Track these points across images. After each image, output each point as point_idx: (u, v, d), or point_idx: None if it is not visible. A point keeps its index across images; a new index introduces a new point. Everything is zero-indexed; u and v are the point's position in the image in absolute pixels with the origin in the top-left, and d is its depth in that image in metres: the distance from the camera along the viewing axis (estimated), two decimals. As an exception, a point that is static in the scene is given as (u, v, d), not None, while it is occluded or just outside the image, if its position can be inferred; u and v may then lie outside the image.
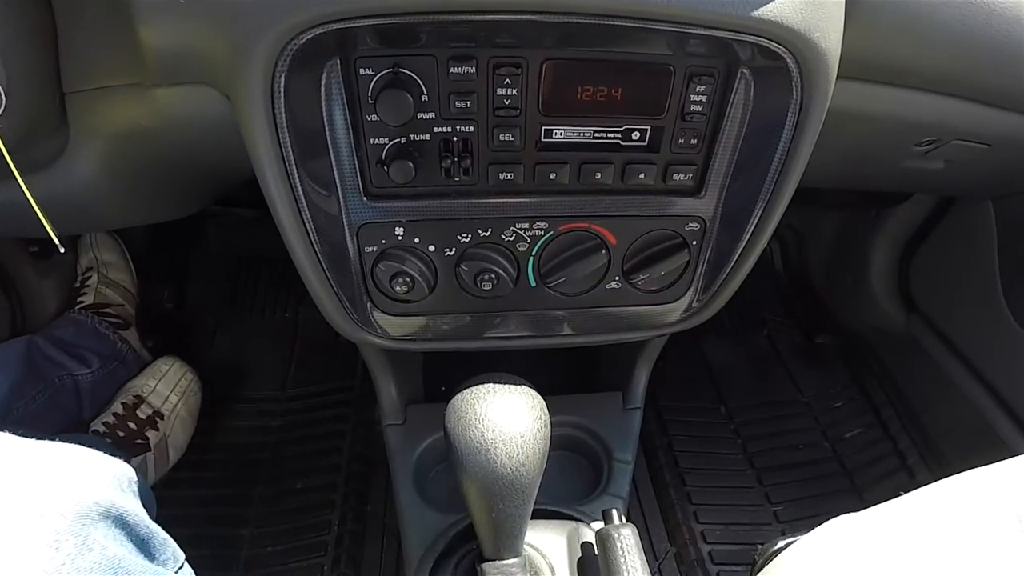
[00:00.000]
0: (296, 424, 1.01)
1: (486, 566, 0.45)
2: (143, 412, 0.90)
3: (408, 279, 0.49)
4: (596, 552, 0.51)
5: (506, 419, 0.41)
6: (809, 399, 1.08)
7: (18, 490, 0.32)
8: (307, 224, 0.46)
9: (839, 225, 1.09)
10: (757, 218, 0.49)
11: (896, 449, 0.99)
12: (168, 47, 0.41)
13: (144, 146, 0.49)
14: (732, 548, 0.87)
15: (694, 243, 0.51)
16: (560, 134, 0.44)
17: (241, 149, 0.43)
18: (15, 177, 0.42)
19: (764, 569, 0.42)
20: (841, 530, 0.41)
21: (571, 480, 0.70)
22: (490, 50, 0.40)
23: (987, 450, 0.70)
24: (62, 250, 0.49)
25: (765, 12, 0.38)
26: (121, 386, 0.93)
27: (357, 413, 1.01)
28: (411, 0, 0.37)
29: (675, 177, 0.47)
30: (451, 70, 0.41)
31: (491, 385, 0.43)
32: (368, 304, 0.52)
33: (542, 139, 0.44)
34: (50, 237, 0.48)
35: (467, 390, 0.43)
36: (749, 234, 0.50)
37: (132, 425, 0.88)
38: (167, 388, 0.94)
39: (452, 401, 0.43)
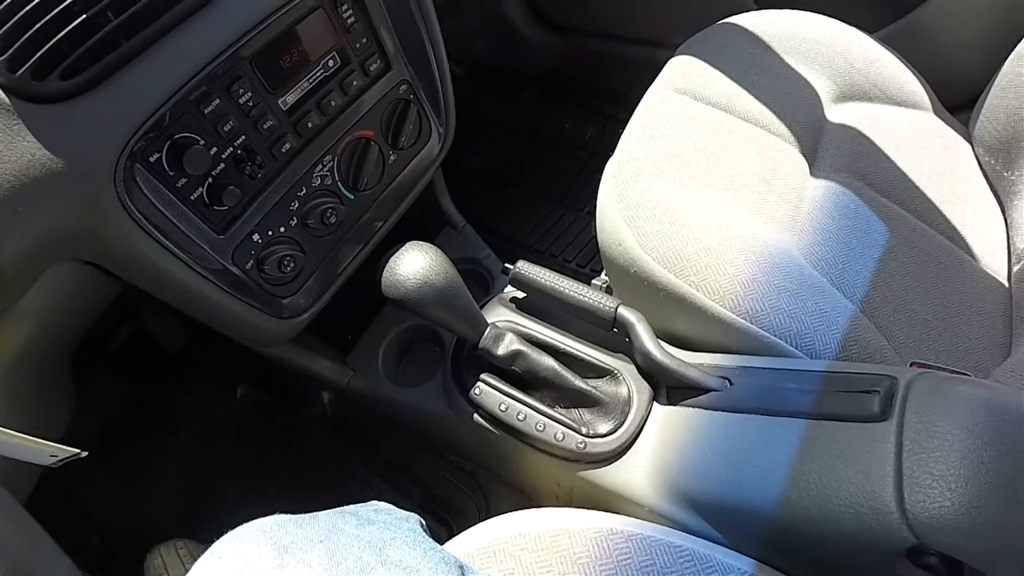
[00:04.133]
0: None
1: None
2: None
3: (289, 258, 0.65)
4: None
5: (416, 256, 0.61)
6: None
7: None
8: (207, 277, 0.60)
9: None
10: (434, 56, 0.71)
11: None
12: (22, 249, 0.50)
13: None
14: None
15: (412, 96, 0.72)
16: (292, 97, 0.62)
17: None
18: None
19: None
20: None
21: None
22: (218, 83, 0.55)
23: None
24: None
25: None
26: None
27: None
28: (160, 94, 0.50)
29: (372, 68, 0.67)
30: (205, 112, 0.55)
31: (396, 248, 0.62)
32: (275, 297, 0.68)
33: (285, 109, 0.61)
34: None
35: (386, 259, 0.62)
36: (437, 67, 0.72)
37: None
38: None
39: (383, 274, 0.61)
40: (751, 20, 0.88)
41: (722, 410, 0.58)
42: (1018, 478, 0.44)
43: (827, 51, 0.85)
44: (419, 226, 0.83)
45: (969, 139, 0.88)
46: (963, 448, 0.44)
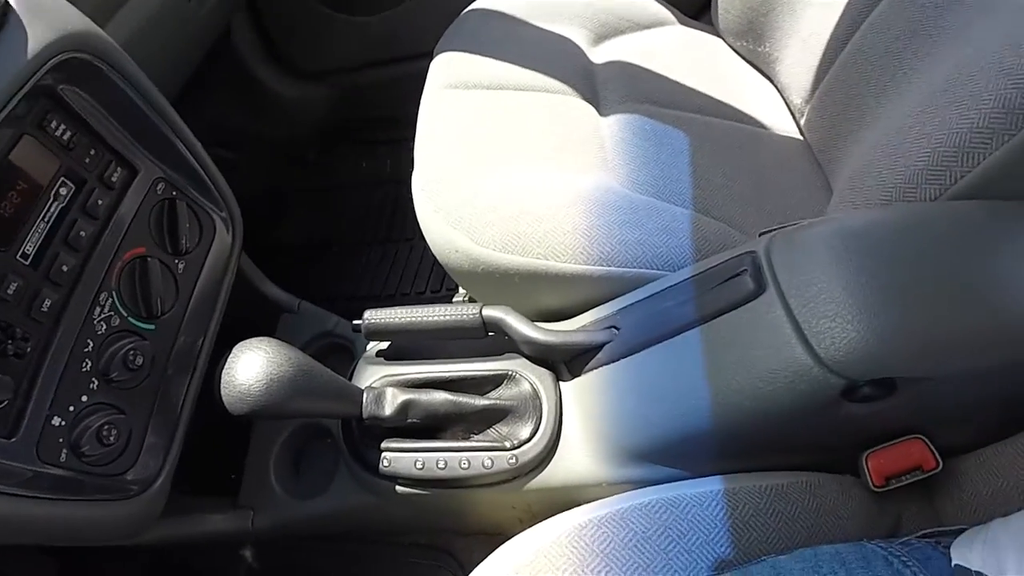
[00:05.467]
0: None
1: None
2: None
3: (107, 427, 0.55)
4: None
5: (248, 358, 0.53)
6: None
7: None
8: (19, 494, 0.48)
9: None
10: (183, 143, 0.64)
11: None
12: None
13: None
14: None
15: (175, 192, 0.64)
16: (31, 245, 0.52)
17: None
18: None
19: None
20: None
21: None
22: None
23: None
24: None
25: None
26: None
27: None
28: None
29: (114, 179, 0.58)
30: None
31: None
32: (113, 477, 0.57)
33: (27, 262, 0.51)
34: None
35: (217, 376, 0.53)
36: (191, 153, 0.65)
37: None
38: None
39: (221, 393, 0.53)
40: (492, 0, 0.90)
41: (622, 357, 0.56)
42: (896, 282, 0.46)
43: (569, 5, 0.88)
44: (251, 326, 0.74)
45: (718, 34, 0.95)
46: (840, 281, 0.45)
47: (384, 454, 0.59)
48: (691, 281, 0.54)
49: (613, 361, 0.57)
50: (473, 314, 0.59)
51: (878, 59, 0.69)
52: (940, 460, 0.50)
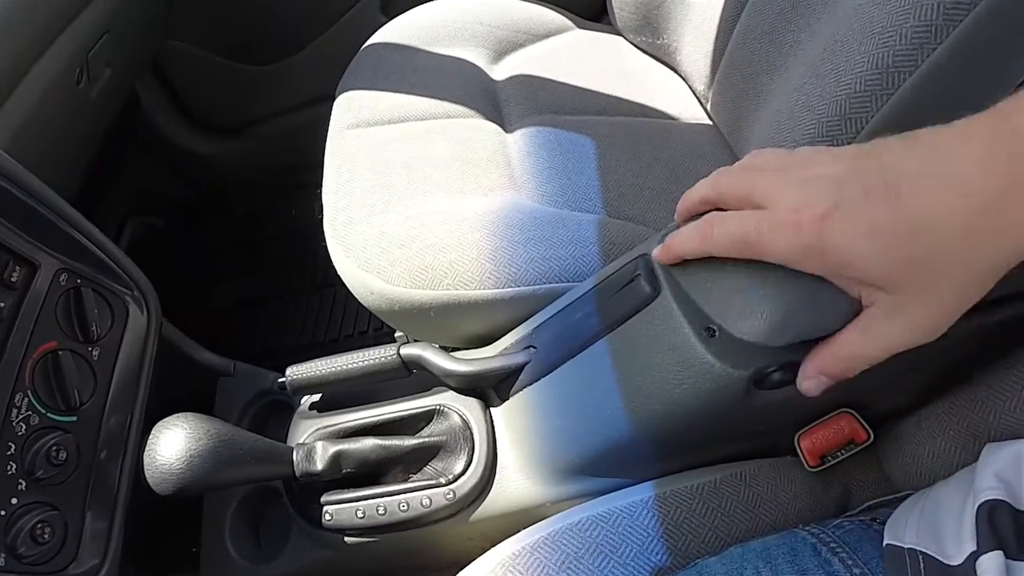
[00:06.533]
0: None
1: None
2: None
3: (41, 525, 0.54)
4: None
5: (166, 437, 0.53)
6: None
7: None
8: None
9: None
10: (80, 230, 0.63)
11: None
12: None
13: None
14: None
15: (79, 281, 0.63)
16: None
17: None
18: None
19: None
20: None
21: None
22: None
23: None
24: None
25: None
26: None
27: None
28: None
29: (13, 278, 0.58)
30: None
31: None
32: (55, 574, 0.56)
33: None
34: None
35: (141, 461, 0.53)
36: (89, 238, 0.64)
37: None
38: None
39: (147, 477, 0.53)
40: (388, 33, 0.90)
41: (542, 376, 0.56)
42: (782, 271, 0.45)
43: (464, 26, 0.89)
44: (189, 395, 0.74)
45: (619, 33, 0.96)
46: (729, 275, 0.45)
47: (325, 509, 0.59)
48: (594, 291, 0.54)
49: (535, 381, 0.56)
50: (391, 355, 0.59)
51: (764, 37, 0.70)
52: (871, 432, 0.50)
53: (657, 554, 0.46)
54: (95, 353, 0.62)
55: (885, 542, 0.41)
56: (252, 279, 1.03)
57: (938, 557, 0.37)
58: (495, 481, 0.58)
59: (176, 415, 0.55)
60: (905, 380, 0.53)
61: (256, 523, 0.75)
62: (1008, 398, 0.43)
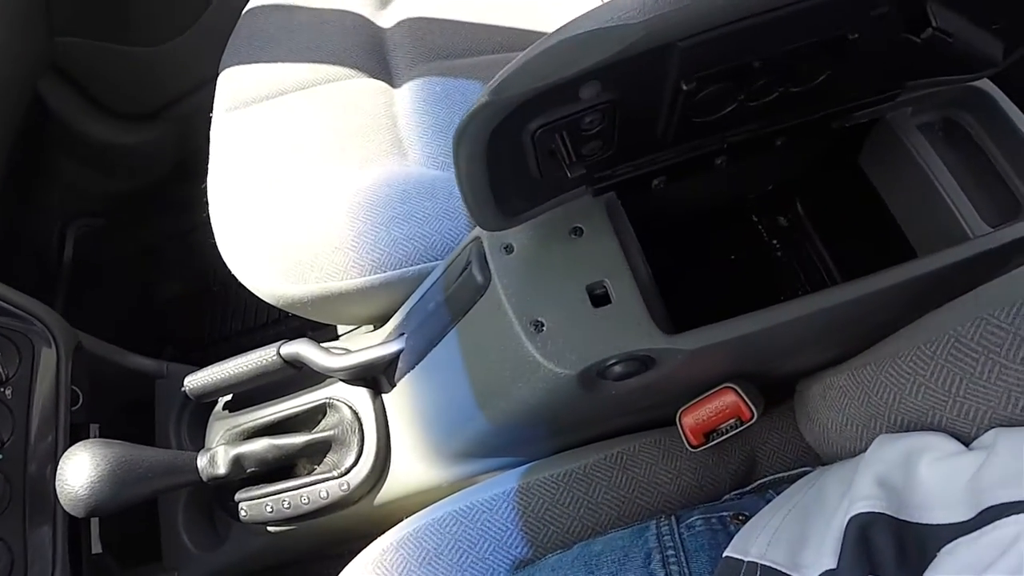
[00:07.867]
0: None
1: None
2: None
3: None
4: None
5: (71, 466, 0.55)
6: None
7: None
8: None
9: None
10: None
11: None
12: None
13: None
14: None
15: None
16: None
17: None
18: None
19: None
20: None
21: None
22: None
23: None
24: None
25: None
26: None
27: None
28: None
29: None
30: None
31: None
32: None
33: None
34: None
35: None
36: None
37: None
38: None
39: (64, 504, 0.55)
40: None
41: (416, 363, 0.54)
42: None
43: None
44: (131, 400, 0.76)
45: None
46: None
47: (240, 506, 0.61)
48: (441, 280, 0.51)
49: (411, 367, 0.55)
50: (273, 357, 0.59)
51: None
52: (755, 410, 0.46)
53: (516, 547, 0.46)
54: (8, 393, 0.64)
55: (725, 553, 0.38)
56: (196, 268, 1.03)
57: (785, 571, 0.34)
58: (391, 465, 0.58)
59: (81, 443, 0.56)
60: (790, 356, 0.48)
61: (211, 511, 0.79)
62: (907, 381, 0.38)
